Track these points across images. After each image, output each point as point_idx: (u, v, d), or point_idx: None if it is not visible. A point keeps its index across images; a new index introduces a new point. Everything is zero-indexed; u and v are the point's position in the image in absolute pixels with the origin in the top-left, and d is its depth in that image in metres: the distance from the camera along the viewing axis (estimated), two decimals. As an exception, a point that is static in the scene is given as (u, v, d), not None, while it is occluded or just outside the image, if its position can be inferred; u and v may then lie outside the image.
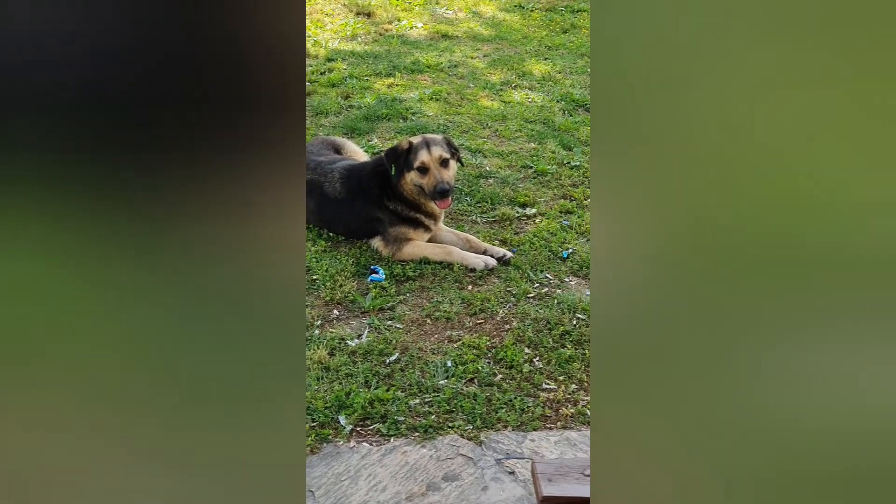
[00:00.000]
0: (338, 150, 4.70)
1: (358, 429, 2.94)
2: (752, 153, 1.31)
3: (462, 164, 4.39)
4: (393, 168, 4.10)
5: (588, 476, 1.79)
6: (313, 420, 2.96)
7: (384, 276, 3.91)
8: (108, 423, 1.30)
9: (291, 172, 1.33)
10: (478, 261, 3.98)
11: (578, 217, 4.54)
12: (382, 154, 4.28)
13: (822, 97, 1.28)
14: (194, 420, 1.32)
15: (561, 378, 3.23)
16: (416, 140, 4.13)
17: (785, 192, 1.30)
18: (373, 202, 4.15)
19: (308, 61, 7.21)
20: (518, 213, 4.61)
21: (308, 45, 7.60)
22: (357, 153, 4.77)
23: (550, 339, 3.46)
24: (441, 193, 3.98)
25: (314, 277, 3.89)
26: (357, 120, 5.84)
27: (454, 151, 4.16)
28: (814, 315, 1.30)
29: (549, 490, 1.74)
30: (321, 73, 6.81)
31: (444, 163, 4.05)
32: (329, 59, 7.20)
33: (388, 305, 3.70)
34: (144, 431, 1.31)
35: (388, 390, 3.11)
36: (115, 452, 1.31)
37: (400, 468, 2.78)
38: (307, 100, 6.24)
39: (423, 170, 4.03)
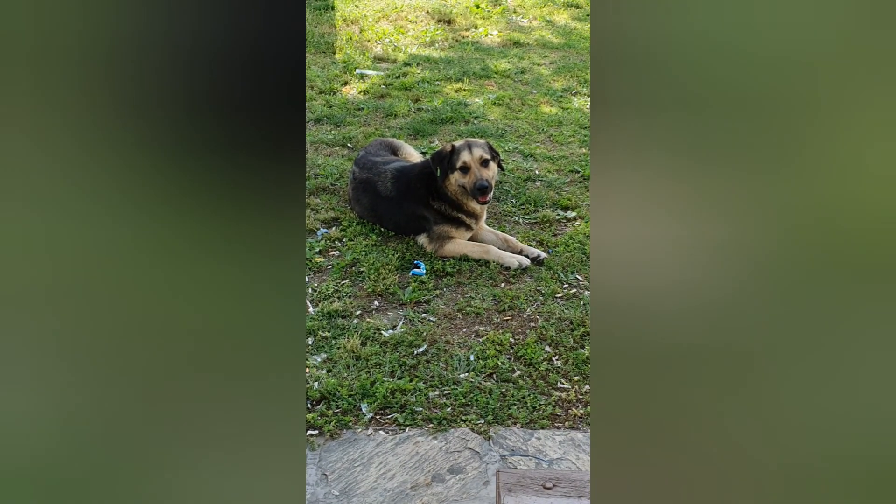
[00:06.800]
0: (394, 151, 4.69)
1: (378, 417, 2.92)
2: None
3: (503, 169, 4.32)
4: (438, 170, 4.07)
5: (548, 489, 1.71)
6: (337, 407, 2.95)
7: (425, 271, 3.87)
8: (107, 419, 1.26)
9: (291, 172, 1.27)
10: (513, 260, 3.91)
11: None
12: (429, 157, 4.25)
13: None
14: (194, 418, 1.27)
15: (576, 378, 3.12)
16: (458, 143, 4.12)
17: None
18: (420, 201, 4.13)
19: (386, 65, 7.21)
20: (559, 215, 4.49)
21: (389, 49, 7.59)
22: (412, 155, 4.74)
23: (571, 339, 3.35)
24: (480, 189, 3.95)
25: (360, 269, 3.88)
26: (423, 122, 5.80)
27: (495, 154, 4.12)
28: (823, 315, 1.20)
29: (508, 500, 1.66)
30: (396, 77, 6.78)
31: (484, 163, 4.02)
32: (406, 64, 7.17)
33: (425, 299, 3.66)
34: (143, 429, 1.27)
35: (411, 381, 3.08)
36: (115, 449, 1.27)
37: (410, 458, 2.74)
38: (380, 102, 6.24)
39: (465, 169, 4.01)
